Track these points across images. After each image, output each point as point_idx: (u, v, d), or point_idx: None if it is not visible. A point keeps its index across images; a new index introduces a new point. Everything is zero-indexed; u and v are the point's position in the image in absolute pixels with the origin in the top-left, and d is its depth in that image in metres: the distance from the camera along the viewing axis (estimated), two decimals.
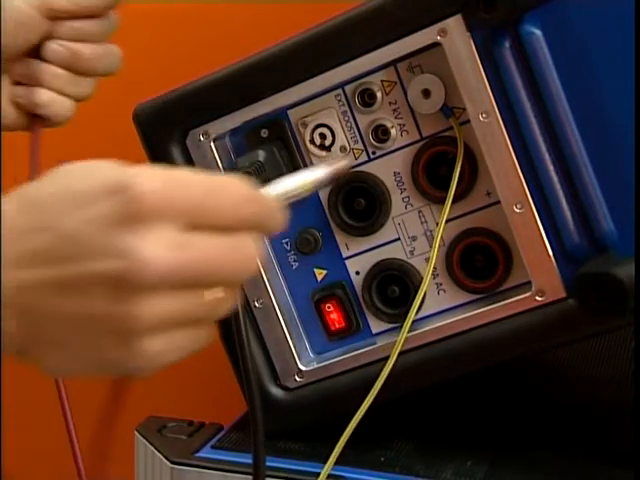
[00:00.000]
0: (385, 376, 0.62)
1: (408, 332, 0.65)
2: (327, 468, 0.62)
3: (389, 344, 0.66)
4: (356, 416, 0.62)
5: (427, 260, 0.66)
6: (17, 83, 0.64)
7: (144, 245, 0.39)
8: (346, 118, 0.65)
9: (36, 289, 0.40)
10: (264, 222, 0.44)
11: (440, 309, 0.66)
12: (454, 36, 0.60)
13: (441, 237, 0.65)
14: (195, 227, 0.41)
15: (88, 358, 0.42)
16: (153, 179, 0.40)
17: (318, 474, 0.65)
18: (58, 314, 0.41)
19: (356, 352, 0.67)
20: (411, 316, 0.64)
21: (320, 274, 0.69)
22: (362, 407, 0.62)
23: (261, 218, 0.44)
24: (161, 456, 0.68)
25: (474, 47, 0.60)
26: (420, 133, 0.65)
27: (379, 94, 0.64)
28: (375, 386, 0.62)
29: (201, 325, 0.43)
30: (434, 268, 0.66)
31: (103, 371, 0.43)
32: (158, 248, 0.39)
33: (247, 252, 0.43)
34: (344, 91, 0.65)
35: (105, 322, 0.40)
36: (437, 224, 0.65)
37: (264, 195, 0.47)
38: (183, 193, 0.41)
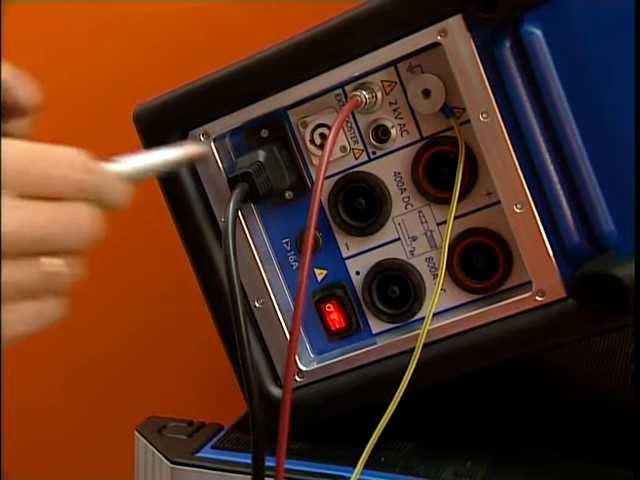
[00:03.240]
0: (410, 375, 0.62)
1: (408, 333, 0.65)
2: (358, 470, 0.62)
3: (389, 344, 0.66)
4: (384, 417, 0.62)
5: (427, 260, 0.66)
6: None
7: None
8: (346, 118, 0.65)
9: None
10: (100, 192, 0.44)
11: (440, 309, 0.66)
12: (454, 36, 0.60)
13: (442, 237, 0.65)
14: (25, 196, 0.41)
15: None
16: None
17: (318, 474, 0.65)
18: None
19: (356, 352, 0.67)
20: (432, 309, 0.64)
21: (320, 274, 0.69)
22: (391, 406, 0.61)
23: (95, 188, 0.44)
24: (161, 456, 0.68)
25: (474, 47, 0.60)
26: (420, 133, 0.65)
27: (379, 94, 0.64)
28: (402, 384, 0.62)
29: (45, 299, 0.44)
30: (434, 268, 0.66)
31: None
32: None
33: (81, 220, 0.44)
34: (344, 91, 0.65)
35: None
36: (437, 224, 0.65)
37: (101, 166, 0.47)
38: (7, 161, 0.41)
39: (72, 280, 0.45)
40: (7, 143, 0.42)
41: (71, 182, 0.43)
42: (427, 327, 0.63)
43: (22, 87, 0.56)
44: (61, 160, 0.43)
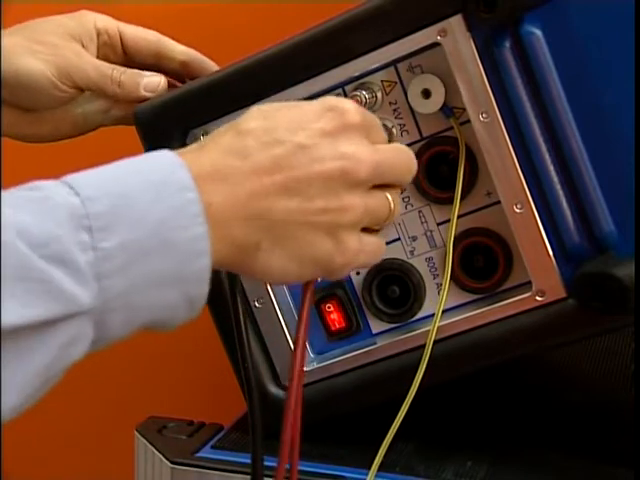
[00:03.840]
0: (422, 373, 0.62)
1: (408, 333, 0.65)
2: (373, 470, 0.62)
3: (389, 344, 0.66)
4: (398, 416, 0.62)
5: (427, 260, 0.66)
6: None
7: (357, 148, 0.50)
8: None
9: (270, 194, 0.48)
10: None
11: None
12: (454, 36, 0.60)
13: (442, 238, 0.65)
14: (371, 141, 0.52)
15: (305, 255, 0.49)
16: (347, 101, 0.52)
17: (318, 474, 0.65)
18: (285, 214, 0.48)
19: (356, 352, 0.67)
20: (441, 305, 0.64)
21: None
22: (403, 408, 0.62)
23: None
24: (161, 456, 0.68)
25: (474, 47, 0.60)
26: (420, 133, 0.65)
27: (379, 94, 0.64)
28: (414, 383, 0.62)
29: (377, 234, 0.53)
30: (434, 268, 0.66)
31: (314, 268, 0.50)
32: (366, 150, 0.50)
33: (408, 157, 0.54)
34: (344, 91, 0.65)
35: (322, 216, 0.49)
36: (437, 224, 0.65)
37: None
38: (363, 112, 0.52)
39: (398, 211, 0.54)
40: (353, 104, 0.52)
41: (383, 131, 0.54)
42: (437, 324, 0.63)
43: (205, 60, 0.72)
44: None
